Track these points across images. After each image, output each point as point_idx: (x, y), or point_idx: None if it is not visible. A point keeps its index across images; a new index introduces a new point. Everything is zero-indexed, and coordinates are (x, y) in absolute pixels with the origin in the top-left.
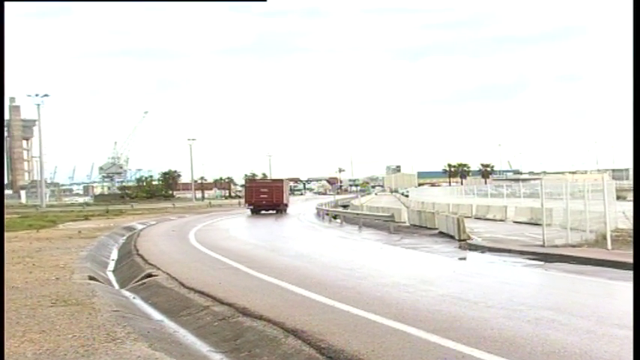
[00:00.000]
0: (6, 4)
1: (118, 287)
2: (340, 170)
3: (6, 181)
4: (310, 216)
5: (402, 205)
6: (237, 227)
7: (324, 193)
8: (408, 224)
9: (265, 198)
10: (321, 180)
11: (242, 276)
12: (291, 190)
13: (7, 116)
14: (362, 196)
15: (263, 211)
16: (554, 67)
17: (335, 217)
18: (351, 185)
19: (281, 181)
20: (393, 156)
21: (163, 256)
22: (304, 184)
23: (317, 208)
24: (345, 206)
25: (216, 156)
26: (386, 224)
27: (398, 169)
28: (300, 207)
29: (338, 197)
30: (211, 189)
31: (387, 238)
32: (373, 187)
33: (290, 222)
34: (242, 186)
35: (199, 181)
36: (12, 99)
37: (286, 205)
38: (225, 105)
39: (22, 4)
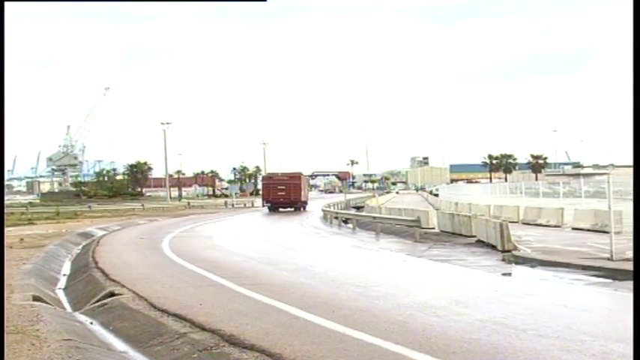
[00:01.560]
0: (6, 4)
1: (70, 310)
2: (352, 163)
3: None
4: (315, 220)
5: (429, 207)
6: (224, 234)
7: (333, 191)
8: (437, 230)
9: (283, 195)
10: (328, 175)
11: (229, 295)
12: None
13: None
14: (380, 194)
15: (281, 209)
16: (630, 30)
17: (346, 222)
18: (365, 182)
19: (299, 177)
20: (419, 145)
21: (129, 270)
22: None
23: (323, 210)
24: (358, 208)
25: (197, 145)
26: (410, 230)
27: (425, 161)
28: (301, 209)
29: (350, 196)
30: (190, 186)
31: (412, 248)
32: (394, 183)
33: (290, 227)
34: (230, 182)
35: (175, 176)
36: None
37: (305, 203)
38: (208, 82)
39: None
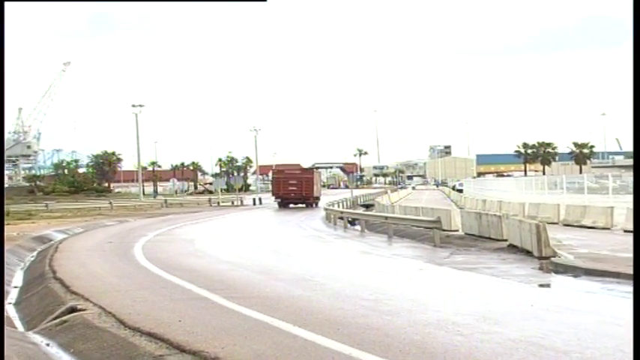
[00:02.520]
0: (6, 4)
1: (22, 329)
2: (360, 153)
3: None
4: (316, 221)
5: (452, 205)
6: (208, 237)
7: (337, 187)
8: (461, 233)
9: (294, 190)
10: (332, 167)
11: (214, 310)
12: None
13: None
14: (393, 190)
15: (291, 205)
16: None
17: (353, 223)
18: (376, 175)
19: (312, 171)
20: (440, 133)
21: (94, 281)
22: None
23: (326, 209)
24: (367, 206)
25: (176, 133)
26: (428, 233)
27: (447, 151)
28: (299, 208)
29: (357, 192)
30: (168, 180)
31: (431, 254)
32: (409, 177)
33: (286, 229)
34: (215, 175)
35: (150, 169)
36: None
37: (317, 199)
38: (188, 57)
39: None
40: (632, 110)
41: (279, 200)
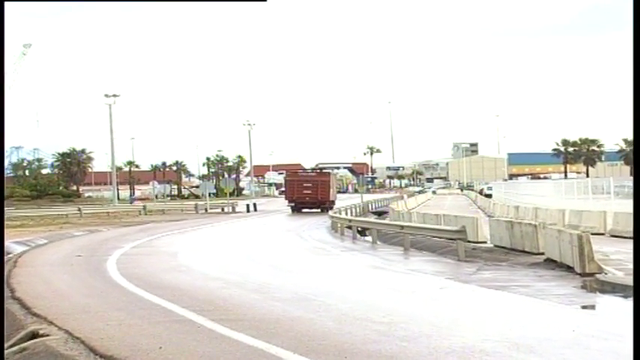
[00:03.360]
0: (6, 4)
1: None
2: (372, 151)
3: None
4: (320, 230)
5: (479, 212)
6: (194, 250)
7: (344, 190)
8: (489, 245)
9: (309, 194)
10: (338, 167)
11: (201, 335)
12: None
13: None
14: (410, 195)
15: (305, 210)
16: None
17: (363, 233)
18: (390, 177)
19: (328, 174)
20: (465, 128)
21: (60, 301)
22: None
23: (332, 217)
24: (380, 213)
25: (157, 127)
26: (451, 245)
27: (473, 149)
28: (301, 215)
29: (368, 197)
30: (147, 182)
31: (454, 270)
32: (429, 180)
33: (286, 241)
34: (202, 177)
35: (126, 169)
36: None
37: (333, 203)
38: (171, 42)
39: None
40: (632, 110)
41: (292, 205)
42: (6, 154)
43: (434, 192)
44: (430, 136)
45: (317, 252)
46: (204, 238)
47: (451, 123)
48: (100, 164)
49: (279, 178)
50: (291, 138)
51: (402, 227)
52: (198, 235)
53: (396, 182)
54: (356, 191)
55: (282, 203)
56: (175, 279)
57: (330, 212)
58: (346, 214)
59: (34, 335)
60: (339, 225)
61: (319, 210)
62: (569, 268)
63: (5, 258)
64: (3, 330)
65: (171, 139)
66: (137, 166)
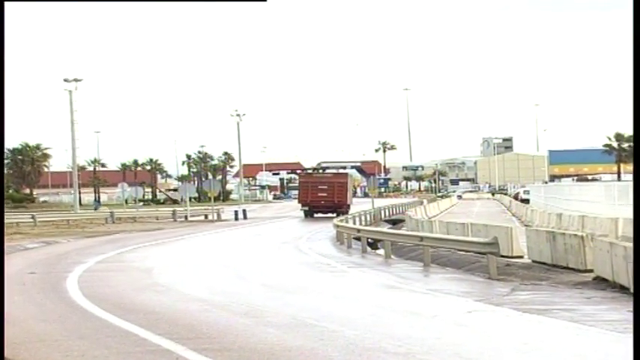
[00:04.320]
0: (6, 4)
1: None
2: (385, 148)
3: None
4: (322, 242)
5: (514, 220)
6: (172, 264)
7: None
8: (527, 260)
9: (324, 197)
10: (345, 167)
11: None
12: (285, 190)
13: None
14: (430, 200)
15: (320, 214)
16: None
17: (373, 245)
18: (407, 179)
19: (345, 175)
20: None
21: (10, 327)
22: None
23: (337, 226)
24: (394, 222)
25: (126, 119)
26: (481, 260)
27: (507, 145)
28: (300, 224)
29: (381, 202)
30: (115, 185)
31: (484, 290)
32: (454, 181)
33: (281, 254)
34: (181, 179)
35: (90, 169)
36: None
37: (349, 207)
38: (143, 16)
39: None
40: (632, 110)
41: (306, 209)
42: None
43: (459, 196)
44: (455, 129)
45: (319, 268)
46: (185, 251)
47: (480, 114)
48: (58, 163)
49: (274, 180)
50: (288, 132)
51: (422, 239)
52: (178, 247)
53: (413, 184)
54: (366, 195)
55: (277, 209)
56: (150, 300)
57: (335, 220)
58: (354, 222)
59: None
60: (345, 236)
61: (335, 215)
62: (624, 289)
63: None
64: (3, 330)
65: (144, 133)
66: (103, 166)
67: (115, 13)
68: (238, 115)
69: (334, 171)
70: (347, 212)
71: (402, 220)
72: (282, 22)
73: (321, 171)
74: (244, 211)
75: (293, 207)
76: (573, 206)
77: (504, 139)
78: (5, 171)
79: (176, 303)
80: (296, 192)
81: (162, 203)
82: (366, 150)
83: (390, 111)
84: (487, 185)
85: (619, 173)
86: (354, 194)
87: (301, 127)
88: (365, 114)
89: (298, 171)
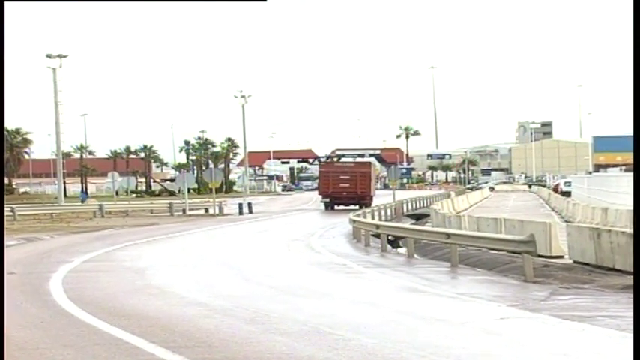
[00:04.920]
0: (6, 4)
1: None
2: (408, 134)
3: None
4: (336, 240)
5: (553, 216)
6: (168, 264)
7: None
8: (568, 260)
9: (346, 188)
10: (362, 155)
11: None
12: (295, 180)
13: None
14: (459, 193)
15: (342, 207)
16: None
17: (394, 243)
18: (433, 168)
19: (368, 164)
20: (534, 103)
21: None
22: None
23: (354, 222)
24: (418, 217)
25: (117, 101)
26: (515, 260)
27: (545, 131)
28: (312, 218)
29: (403, 195)
30: (105, 174)
31: (519, 294)
32: (486, 172)
33: (291, 253)
34: (178, 168)
35: (77, 156)
36: None
37: (372, 199)
38: None
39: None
40: (632, 110)
41: (326, 200)
42: None
43: (492, 188)
44: (487, 113)
45: (333, 269)
46: (183, 249)
47: (516, 96)
48: (41, 149)
49: (283, 169)
50: (299, 116)
51: (449, 236)
52: (174, 245)
53: (440, 175)
54: (386, 187)
55: (286, 202)
56: (143, 304)
57: (352, 215)
58: (372, 217)
59: None
60: (362, 232)
61: (357, 207)
62: None
63: None
64: (3, 330)
65: (137, 116)
66: (91, 153)
67: None
68: (243, 96)
69: (356, 160)
70: (370, 204)
71: (426, 215)
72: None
73: (342, 159)
74: (249, 204)
75: (304, 199)
76: (621, 200)
77: (543, 124)
78: None
79: (172, 307)
80: (308, 183)
81: (158, 195)
82: (386, 136)
83: (413, 92)
84: (523, 176)
85: None
86: None
87: (313, 111)
88: (385, 95)
89: (310, 160)
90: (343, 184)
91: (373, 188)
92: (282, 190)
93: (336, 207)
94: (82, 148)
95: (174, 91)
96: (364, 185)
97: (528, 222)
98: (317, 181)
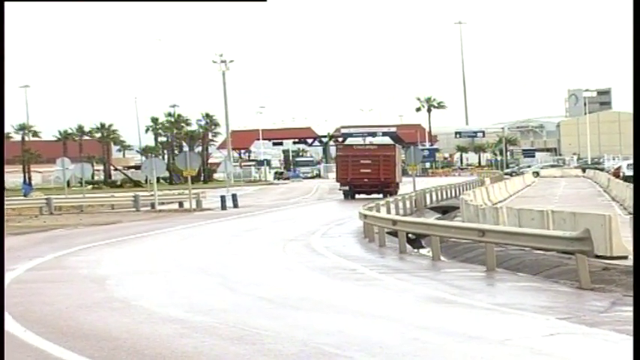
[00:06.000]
0: (6, 4)
1: None
2: (430, 107)
3: None
4: (343, 239)
5: (613, 206)
6: (134, 271)
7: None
8: (632, 262)
9: (368, 174)
10: (374, 134)
11: None
12: (291, 166)
13: None
14: (496, 179)
15: (364, 195)
16: None
17: (415, 242)
18: (462, 149)
19: (392, 147)
20: (587, 67)
21: None
22: (325, 145)
23: (365, 216)
24: (445, 210)
25: (68, 69)
26: (567, 263)
27: (603, 100)
28: (313, 213)
29: (424, 183)
30: (52, 161)
31: (572, 304)
32: (528, 152)
33: (287, 256)
34: (145, 152)
35: (17, 138)
36: None
37: (398, 186)
38: None
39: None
40: (632, 110)
41: (345, 189)
42: None
43: (536, 173)
44: (529, 80)
45: (340, 275)
46: (152, 253)
47: (565, 59)
48: None
49: (275, 152)
50: (294, 86)
51: (483, 233)
52: (142, 248)
53: (471, 157)
54: (404, 172)
55: (280, 193)
56: (104, 322)
57: (362, 209)
58: (388, 211)
59: None
60: (376, 230)
61: (381, 195)
62: None
63: None
64: (3, 331)
65: (91, 88)
66: (36, 134)
67: None
68: (224, 61)
69: (367, 143)
70: (396, 192)
71: (455, 208)
72: None
73: (349, 140)
74: (234, 196)
75: (303, 190)
76: None
77: (599, 93)
78: None
79: (141, 325)
80: (306, 169)
81: (120, 186)
82: (403, 110)
83: (437, 55)
84: (575, 157)
85: None
86: None
87: (312, 80)
88: (402, 60)
89: (309, 140)
90: (364, 170)
91: (399, 174)
92: (276, 179)
93: (357, 196)
94: (23, 129)
95: (139, 57)
96: (388, 171)
97: (583, 214)
98: (317, 166)
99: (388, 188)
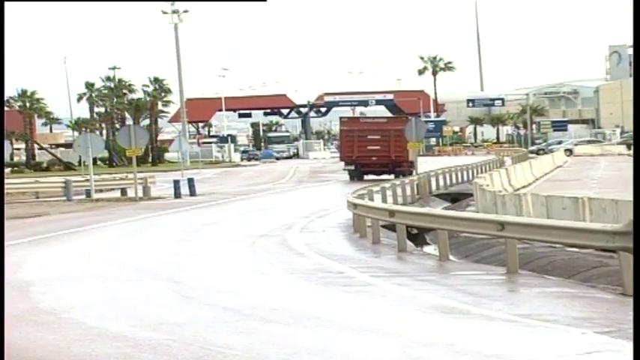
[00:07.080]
0: (6, 4)
1: None
2: (436, 69)
3: None
4: (327, 234)
5: None
6: (65, 276)
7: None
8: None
9: (377, 151)
10: (365, 102)
11: None
12: (261, 143)
13: None
14: (518, 158)
15: (372, 176)
16: None
17: (417, 237)
18: (476, 121)
19: (404, 120)
20: (629, 17)
21: None
22: (304, 117)
23: (353, 206)
24: (455, 199)
25: None
26: (607, 263)
27: None
28: (289, 202)
29: (432, 164)
30: None
31: (614, 315)
32: (559, 124)
33: (256, 256)
34: (77, 125)
35: None
36: None
37: (412, 164)
38: None
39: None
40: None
41: (351, 168)
42: None
43: (569, 151)
44: (561, 35)
45: (323, 280)
46: (89, 252)
47: (604, 9)
48: None
49: (242, 127)
50: (263, 43)
51: (503, 226)
52: (76, 246)
53: (488, 132)
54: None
55: (249, 177)
56: (27, 339)
57: (351, 196)
58: (384, 199)
59: None
60: (369, 223)
61: (392, 176)
62: None
63: None
64: (3, 328)
65: (10, 45)
66: None
67: None
68: (176, 11)
69: (370, 112)
70: (410, 173)
71: (467, 195)
72: None
73: (334, 109)
74: (191, 181)
75: (277, 173)
76: None
77: None
78: None
79: (74, 344)
80: (281, 147)
81: (47, 169)
82: (402, 73)
83: (443, 4)
84: (618, 131)
85: None
86: None
87: (286, 34)
88: (399, 11)
89: (285, 110)
90: (372, 147)
91: (412, 152)
92: (243, 159)
93: (365, 177)
94: None
95: (69, 6)
96: (399, 148)
97: (627, 203)
98: (294, 144)
99: (400, 167)
